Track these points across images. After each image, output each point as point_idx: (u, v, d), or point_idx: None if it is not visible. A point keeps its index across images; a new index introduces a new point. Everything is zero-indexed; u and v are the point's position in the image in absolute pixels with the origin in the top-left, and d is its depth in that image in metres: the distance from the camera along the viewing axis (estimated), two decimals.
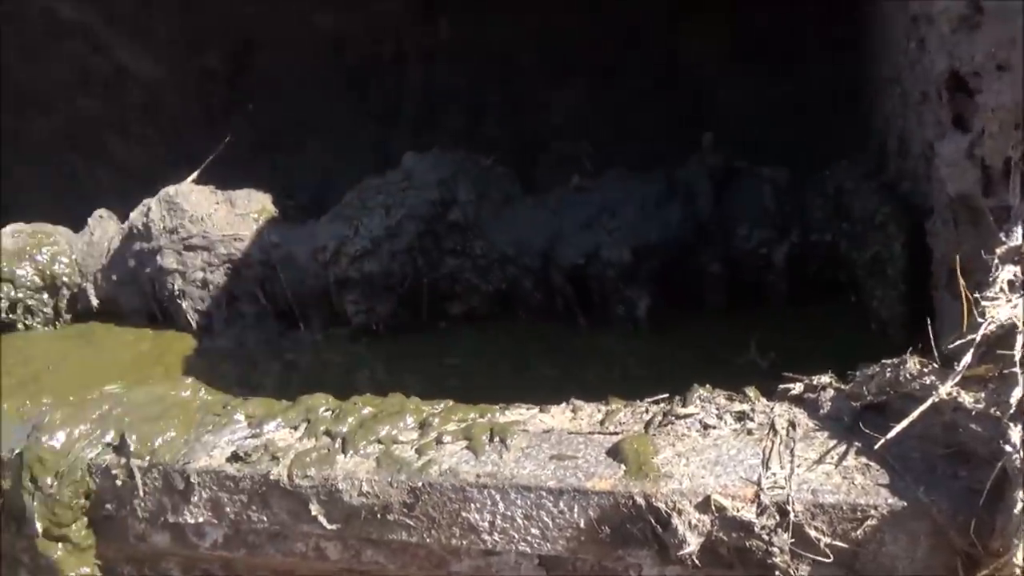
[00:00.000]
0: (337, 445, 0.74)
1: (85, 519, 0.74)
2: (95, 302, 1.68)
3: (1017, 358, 0.57)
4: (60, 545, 0.69)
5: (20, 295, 1.69)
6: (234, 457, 0.75)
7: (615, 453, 0.68)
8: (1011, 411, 0.56)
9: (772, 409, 0.71)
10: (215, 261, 1.57)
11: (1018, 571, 0.53)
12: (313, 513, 0.73)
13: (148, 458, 0.77)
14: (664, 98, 1.64)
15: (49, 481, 0.68)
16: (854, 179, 1.20)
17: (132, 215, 1.65)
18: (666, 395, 0.76)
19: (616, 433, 0.72)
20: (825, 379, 0.72)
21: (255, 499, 0.73)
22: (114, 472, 0.76)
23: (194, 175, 1.77)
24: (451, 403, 0.81)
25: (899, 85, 1.10)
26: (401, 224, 1.40)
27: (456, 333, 1.40)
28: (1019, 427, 0.55)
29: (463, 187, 1.41)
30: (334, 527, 0.73)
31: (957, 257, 0.63)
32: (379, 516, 0.72)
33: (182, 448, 0.78)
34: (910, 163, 1.07)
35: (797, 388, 0.72)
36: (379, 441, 0.74)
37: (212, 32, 2.00)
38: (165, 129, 2.42)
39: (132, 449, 0.77)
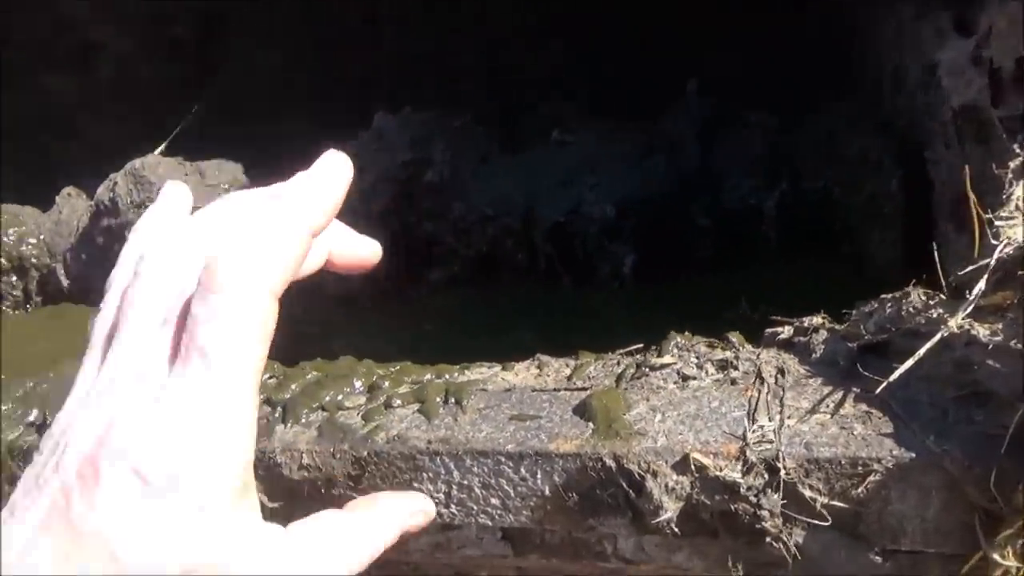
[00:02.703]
0: (277, 414, 0.65)
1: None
2: (65, 283, 1.59)
3: None
4: None
5: None
6: None
7: (582, 410, 0.59)
8: None
9: (758, 356, 0.61)
10: None
11: None
12: None
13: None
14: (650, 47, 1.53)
15: None
16: (847, 120, 1.10)
17: (99, 190, 1.55)
18: (640, 345, 0.66)
19: (584, 388, 0.62)
20: (816, 320, 0.62)
21: None
22: (35, 455, 0.67)
23: (161, 147, 1.67)
24: (406, 364, 0.71)
25: (893, 14, 1.00)
26: (375, 187, 1.30)
27: (436, 299, 1.31)
28: None
29: (438, 147, 1.31)
30: (276, 505, 0.64)
31: (967, 174, 0.53)
32: (323, 491, 0.63)
33: None
34: (904, 98, 0.97)
35: (786, 332, 0.63)
36: (323, 408, 0.65)
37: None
38: (136, 104, 2.32)
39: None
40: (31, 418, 0.70)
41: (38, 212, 1.69)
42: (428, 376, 0.69)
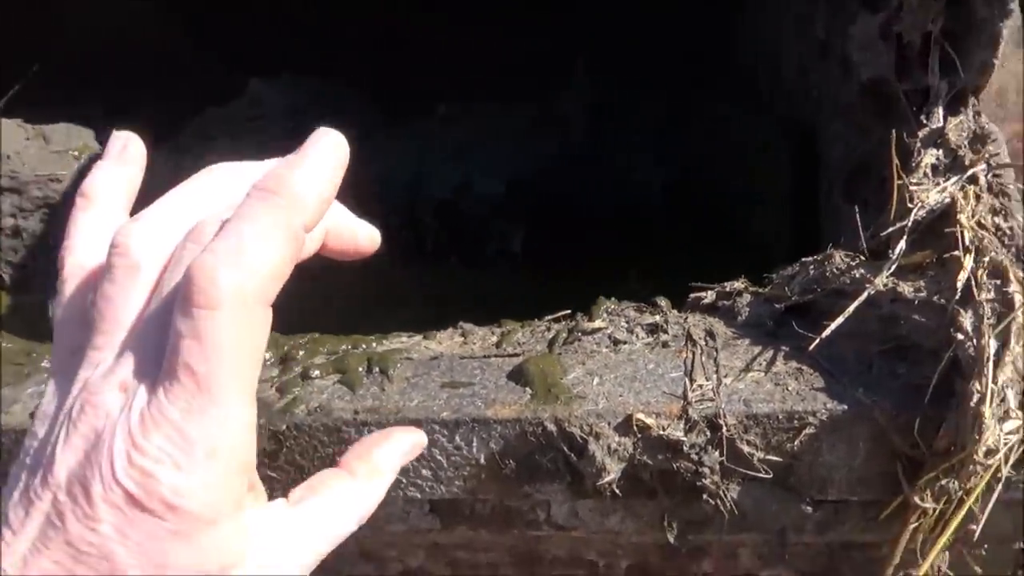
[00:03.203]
0: None
1: None
2: None
3: (962, 244, 0.51)
4: None
5: None
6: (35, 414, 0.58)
7: (518, 376, 0.57)
8: (956, 297, 0.50)
9: (686, 320, 0.62)
10: (28, 206, 1.32)
11: (979, 468, 0.46)
12: None
13: None
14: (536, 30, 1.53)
15: None
16: (731, 101, 1.15)
17: None
18: (568, 311, 0.65)
19: (517, 355, 0.60)
20: (738, 284, 0.64)
21: None
22: None
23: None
24: (316, 335, 0.67)
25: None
26: (248, 158, 1.22)
27: (324, 274, 1.25)
28: (969, 313, 0.49)
29: (318, 116, 1.24)
30: None
31: (893, 140, 0.56)
32: None
33: None
34: (784, 83, 1.02)
35: (709, 296, 0.64)
36: None
37: None
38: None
39: None
40: None
41: None
42: (345, 346, 0.64)
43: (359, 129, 1.26)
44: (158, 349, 0.34)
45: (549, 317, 0.65)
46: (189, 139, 1.25)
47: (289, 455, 0.57)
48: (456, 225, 1.22)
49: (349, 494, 0.44)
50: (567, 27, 1.42)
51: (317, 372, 0.60)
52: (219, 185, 0.41)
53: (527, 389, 0.56)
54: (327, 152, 0.40)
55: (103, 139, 1.40)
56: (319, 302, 1.16)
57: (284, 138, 1.19)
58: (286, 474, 0.59)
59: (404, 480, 0.58)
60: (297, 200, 0.37)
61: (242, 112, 1.25)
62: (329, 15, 1.70)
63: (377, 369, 0.60)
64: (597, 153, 1.22)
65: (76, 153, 1.37)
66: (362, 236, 0.47)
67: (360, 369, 0.60)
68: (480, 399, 0.56)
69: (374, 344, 0.65)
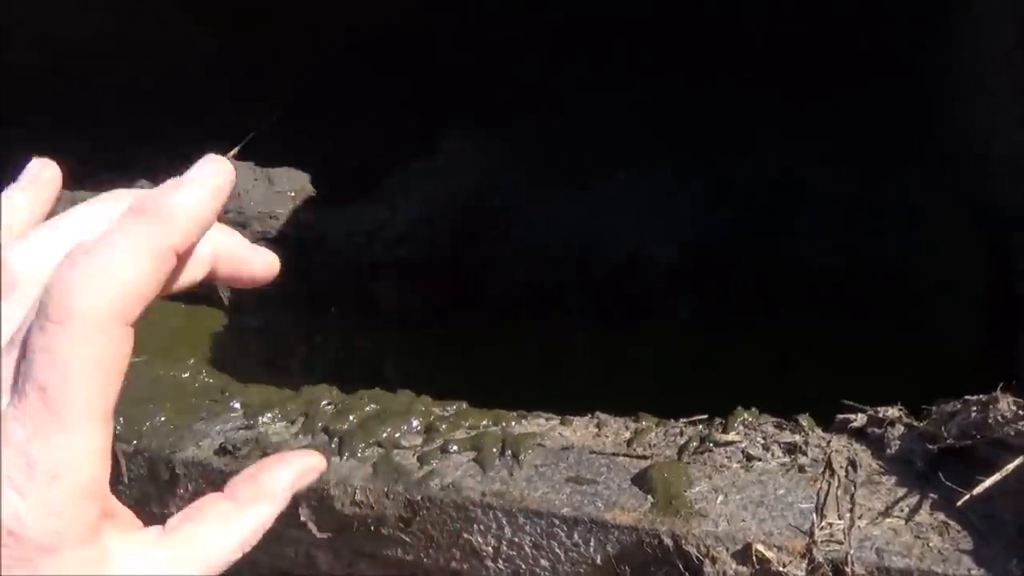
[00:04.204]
0: (334, 445, 0.64)
1: None
2: None
3: None
4: None
5: None
6: (222, 450, 0.65)
7: (642, 481, 0.57)
8: None
9: (828, 443, 0.58)
10: (249, 238, 1.49)
11: None
12: (303, 519, 0.64)
13: (134, 442, 0.68)
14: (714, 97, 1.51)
15: None
16: (925, 188, 1.06)
17: None
18: (704, 416, 0.64)
19: (645, 457, 0.60)
20: (893, 412, 0.59)
21: None
22: None
23: (234, 151, 1.70)
24: (464, 406, 0.70)
25: (984, 86, 0.96)
26: (440, 210, 1.30)
27: (489, 327, 1.30)
28: None
29: (506, 174, 1.30)
30: (325, 536, 0.63)
31: None
32: (373, 529, 0.62)
33: (170, 435, 0.68)
34: (991, 169, 0.93)
35: (859, 420, 0.60)
36: (379, 444, 0.64)
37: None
38: (211, 105, 2.37)
39: (118, 432, 0.68)
40: None
41: None
42: (485, 422, 0.67)
43: (544, 185, 1.31)
44: (16, 363, 0.33)
45: (685, 420, 0.64)
46: (388, 190, 1.36)
47: (421, 524, 0.61)
48: (628, 288, 1.22)
49: (229, 519, 0.41)
50: (754, 92, 1.39)
51: (456, 447, 0.64)
52: (118, 207, 0.40)
53: (649, 497, 0.56)
54: (208, 177, 0.37)
55: (317, 184, 1.55)
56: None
57: (470, 193, 1.26)
58: (419, 541, 0.63)
59: (524, 566, 0.59)
60: (168, 220, 0.35)
61: (438, 167, 1.33)
62: (508, 61, 1.77)
63: (510, 452, 0.62)
64: (775, 228, 1.17)
65: (293, 194, 1.54)
66: (258, 263, 0.43)
67: (494, 450, 0.63)
68: (602, 500, 0.57)
69: (513, 424, 0.68)
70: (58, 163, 0.46)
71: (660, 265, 1.21)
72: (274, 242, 1.48)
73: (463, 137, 1.37)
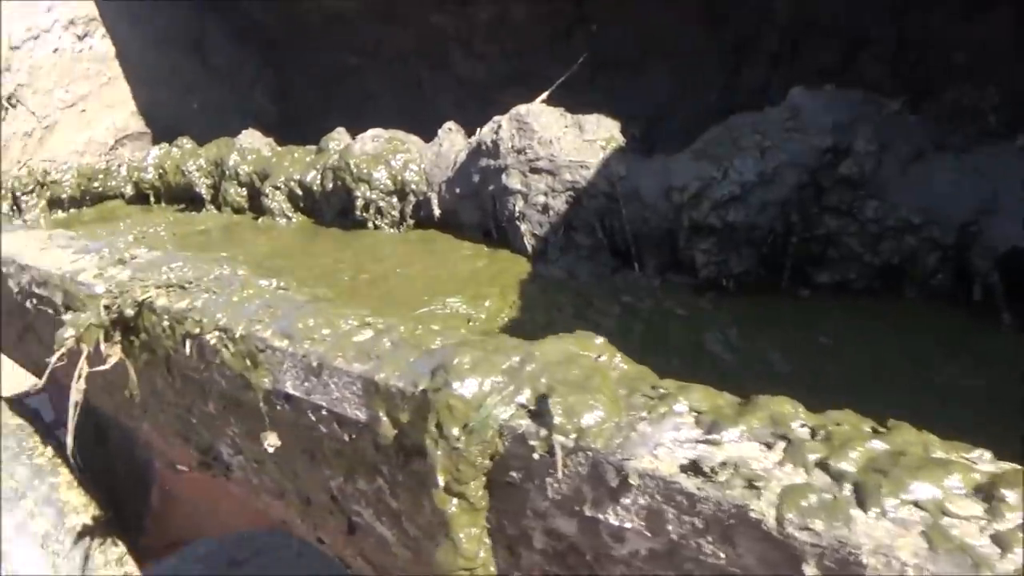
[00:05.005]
0: (847, 492, 0.49)
1: (483, 479, 0.59)
2: (437, 212, 1.65)
3: None
4: (455, 501, 0.56)
5: (374, 196, 1.70)
6: (693, 469, 0.53)
7: None
8: None
9: None
10: (558, 187, 1.44)
11: None
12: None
13: (574, 437, 0.58)
14: None
15: (456, 433, 0.54)
16: None
17: (482, 131, 1.57)
18: None
19: None
20: None
21: (714, 529, 0.51)
22: (531, 442, 0.58)
23: (543, 96, 1.64)
24: None
25: None
26: (779, 171, 1.15)
27: (821, 305, 1.14)
28: None
29: (862, 135, 1.12)
30: None
31: None
32: None
33: (615, 436, 0.57)
34: None
35: None
36: (916, 504, 0.48)
37: None
38: (507, 47, 2.34)
39: (555, 422, 0.58)
40: (522, 399, 0.60)
41: (421, 141, 1.76)
42: None
43: (908, 151, 1.10)
44: None
45: None
46: (715, 145, 1.23)
47: None
48: (1019, 279, 1.01)
49: None
50: None
51: None
52: None
53: None
54: None
55: (628, 131, 1.46)
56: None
57: (819, 156, 1.08)
58: None
59: None
60: None
61: (778, 120, 1.18)
62: (855, 14, 1.54)
63: None
64: None
65: (603, 143, 1.45)
66: None
67: None
68: None
69: None
70: None
71: None
72: (583, 192, 1.41)
73: (809, 88, 1.20)
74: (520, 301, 1.33)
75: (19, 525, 1.46)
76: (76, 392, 0.82)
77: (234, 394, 0.76)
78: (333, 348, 0.61)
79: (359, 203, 1.70)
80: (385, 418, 0.57)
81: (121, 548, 1.54)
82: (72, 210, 2.21)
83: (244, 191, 2.03)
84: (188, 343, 0.76)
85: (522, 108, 1.51)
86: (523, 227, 1.46)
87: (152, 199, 2.23)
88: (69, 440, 0.81)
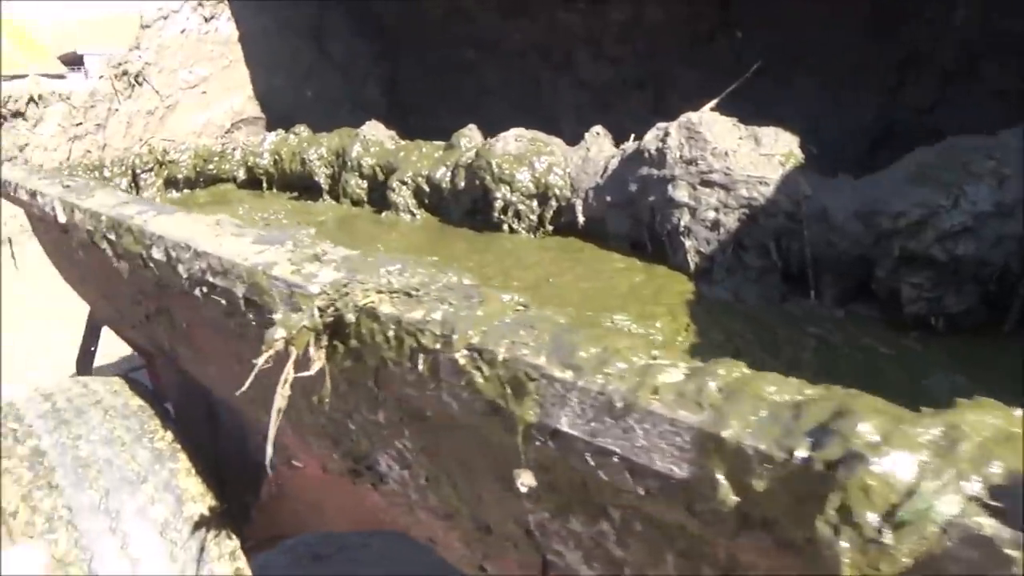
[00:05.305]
0: None
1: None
2: (581, 219, 1.55)
3: None
4: None
5: (514, 198, 1.61)
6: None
7: None
8: None
9: None
10: (732, 203, 1.32)
11: None
12: None
13: None
14: None
15: (875, 522, 0.42)
16: None
17: (646, 137, 1.46)
18: None
19: None
20: None
21: None
22: (1004, 550, 0.43)
23: (711, 103, 1.53)
24: None
25: None
26: (1020, 203, 1.03)
27: None
28: None
29: None
30: None
31: None
32: None
33: None
34: None
35: None
36: None
37: None
38: (639, 49, 2.24)
39: None
40: (972, 489, 0.44)
41: (565, 145, 1.67)
42: None
43: None
44: None
45: None
46: (937, 169, 1.11)
47: None
48: None
49: None
50: None
51: None
52: None
53: None
54: None
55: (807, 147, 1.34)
56: None
57: None
58: None
59: None
60: None
61: (1017, 147, 1.06)
62: None
63: None
64: None
65: (782, 158, 1.34)
66: None
67: None
68: None
69: None
70: None
71: None
72: (760, 211, 1.30)
73: None
74: (693, 324, 1.22)
75: (140, 509, 1.41)
76: (280, 398, 0.74)
77: (468, 420, 0.67)
78: (640, 388, 0.52)
79: (498, 204, 1.61)
80: (724, 481, 0.47)
81: (235, 542, 1.48)
82: (186, 191, 2.17)
83: (365, 183, 1.96)
84: (421, 358, 0.67)
85: (693, 115, 1.40)
86: (688, 243, 1.35)
87: (264, 184, 2.18)
88: (269, 449, 0.73)
